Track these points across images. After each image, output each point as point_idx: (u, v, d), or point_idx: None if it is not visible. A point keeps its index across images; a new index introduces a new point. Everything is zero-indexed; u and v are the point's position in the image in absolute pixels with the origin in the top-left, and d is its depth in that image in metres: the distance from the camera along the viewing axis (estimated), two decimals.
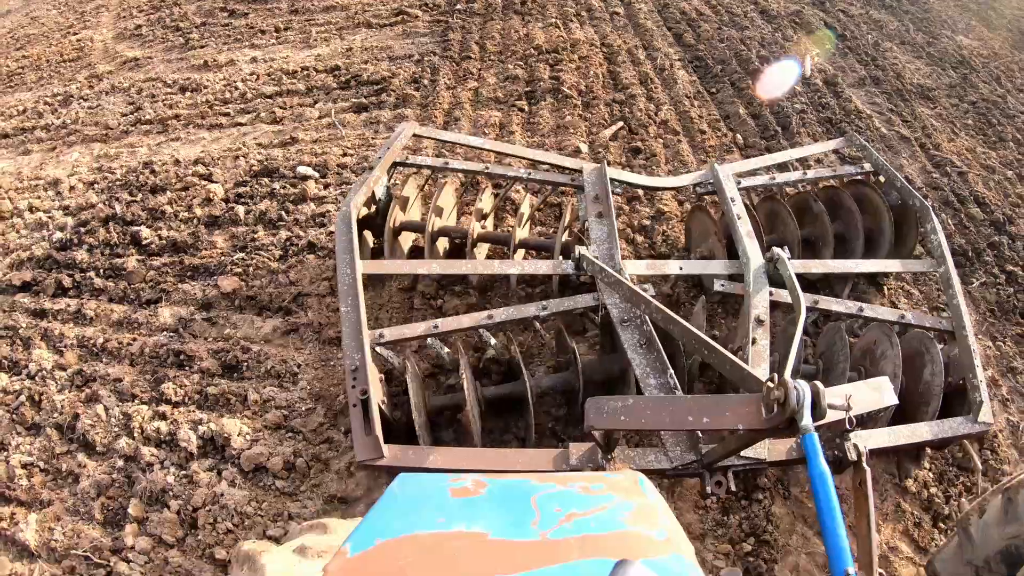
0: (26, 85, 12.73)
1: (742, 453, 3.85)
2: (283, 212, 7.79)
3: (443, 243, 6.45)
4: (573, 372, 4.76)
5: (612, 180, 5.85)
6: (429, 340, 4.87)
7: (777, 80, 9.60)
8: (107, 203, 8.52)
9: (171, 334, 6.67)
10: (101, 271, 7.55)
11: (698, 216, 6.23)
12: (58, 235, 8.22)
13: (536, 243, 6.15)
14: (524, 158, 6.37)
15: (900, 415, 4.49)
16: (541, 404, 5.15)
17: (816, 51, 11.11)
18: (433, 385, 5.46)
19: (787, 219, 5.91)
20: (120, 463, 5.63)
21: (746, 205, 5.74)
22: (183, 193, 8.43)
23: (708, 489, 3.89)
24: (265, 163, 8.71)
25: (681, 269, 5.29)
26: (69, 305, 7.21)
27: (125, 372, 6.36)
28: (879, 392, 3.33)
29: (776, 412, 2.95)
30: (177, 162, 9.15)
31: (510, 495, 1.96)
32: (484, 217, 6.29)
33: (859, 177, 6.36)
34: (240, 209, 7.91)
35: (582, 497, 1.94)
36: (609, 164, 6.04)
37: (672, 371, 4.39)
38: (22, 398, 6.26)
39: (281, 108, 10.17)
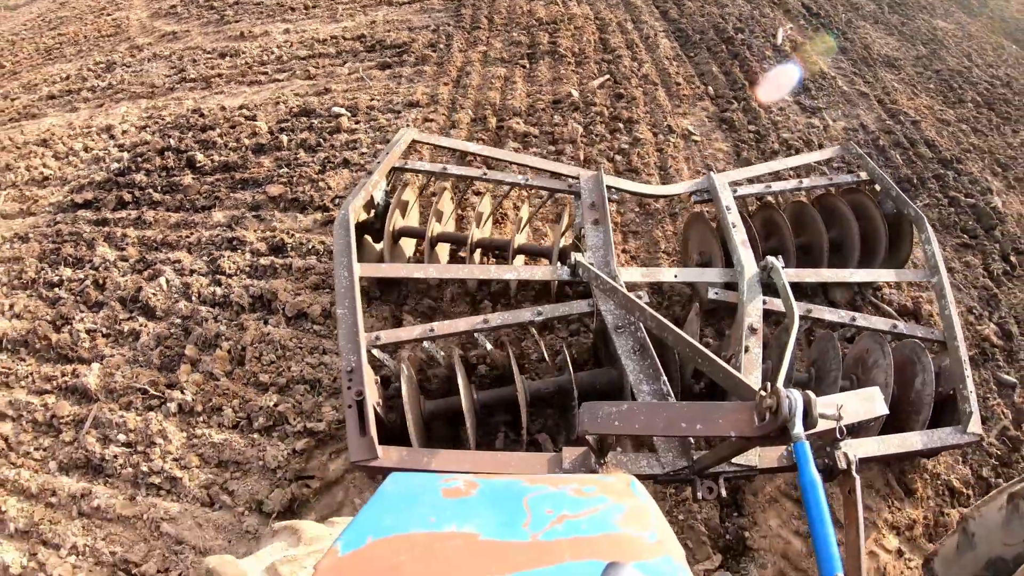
0: (65, 57, 11.85)
1: (733, 460, 3.46)
2: (321, 140, 7.77)
3: (444, 249, 5.83)
4: (567, 377, 4.24)
5: (609, 187, 5.25)
6: (425, 343, 4.27)
7: (776, 84, 8.81)
8: (161, 137, 8.33)
9: (225, 228, 6.69)
10: (159, 188, 7.40)
11: (695, 225, 5.60)
12: (115, 165, 7.98)
13: (533, 249, 5.40)
14: (522, 164, 5.67)
15: (891, 424, 4.00)
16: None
17: (790, 25, 10.56)
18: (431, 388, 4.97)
19: (783, 228, 5.29)
20: (178, 321, 5.71)
21: (741, 214, 5.13)
22: (231, 129, 8.27)
23: (699, 495, 3.48)
24: (303, 106, 8.56)
25: (676, 277, 4.77)
26: (130, 214, 7.09)
27: (184, 256, 6.40)
28: (870, 402, 2.94)
29: (768, 420, 2.62)
30: (223, 108, 8.90)
31: (502, 496, 1.71)
32: (483, 223, 5.64)
33: (854, 186, 5.70)
34: (284, 138, 7.86)
35: (574, 499, 1.69)
36: (602, 170, 5.53)
37: (665, 378, 3.90)
38: (87, 283, 6.21)
39: (314, 68, 9.75)
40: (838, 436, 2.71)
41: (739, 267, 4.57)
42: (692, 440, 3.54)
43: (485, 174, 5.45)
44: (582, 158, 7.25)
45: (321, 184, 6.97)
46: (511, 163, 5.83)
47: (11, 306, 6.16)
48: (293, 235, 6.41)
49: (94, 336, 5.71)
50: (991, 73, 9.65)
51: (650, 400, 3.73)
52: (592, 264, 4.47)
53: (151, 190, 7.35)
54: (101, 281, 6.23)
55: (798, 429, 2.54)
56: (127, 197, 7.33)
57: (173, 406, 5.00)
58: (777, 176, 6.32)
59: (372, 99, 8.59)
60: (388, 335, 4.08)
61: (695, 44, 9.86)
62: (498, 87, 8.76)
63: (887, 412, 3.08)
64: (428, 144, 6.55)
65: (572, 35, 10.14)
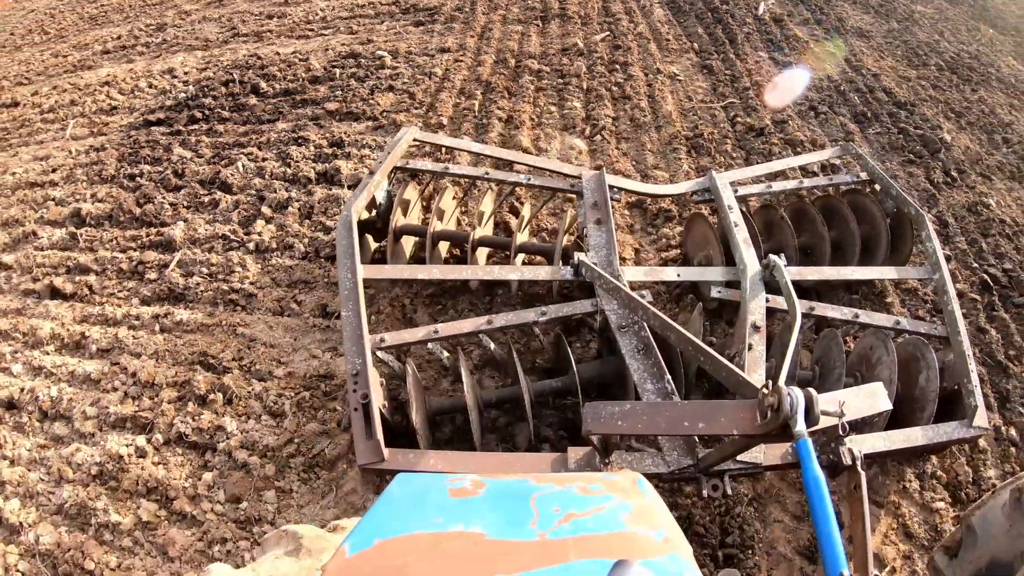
0: (113, 23, 11.14)
1: (738, 457, 3.01)
2: (368, 73, 7.71)
3: (445, 247, 5.09)
4: (571, 377, 3.61)
5: (611, 187, 4.57)
6: (430, 344, 3.67)
7: (786, 88, 7.77)
8: (224, 73, 8.15)
9: (290, 132, 6.68)
10: (226, 108, 7.33)
11: (696, 224, 4.87)
12: (183, 94, 7.79)
13: (536, 248, 4.64)
14: (524, 164, 4.97)
15: (896, 420, 3.49)
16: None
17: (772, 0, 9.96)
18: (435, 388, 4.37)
19: (784, 227, 4.61)
20: (253, 192, 5.81)
21: (743, 213, 4.48)
22: (287, 67, 8.12)
23: (705, 493, 3.02)
24: (350, 51, 8.40)
25: (679, 276, 4.10)
26: (201, 127, 7.06)
27: (255, 151, 6.41)
28: (873, 398, 2.51)
29: (770, 418, 2.23)
30: (277, 53, 8.65)
31: (508, 495, 1.45)
32: (484, 222, 4.81)
33: (855, 186, 4.98)
34: (336, 71, 7.81)
35: (581, 498, 1.44)
36: (606, 169, 4.85)
37: (669, 376, 3.34)
38: (166, 172, 6.23)
39: (356, 25, 9.38)
40: (840, 433, 2.29)
41: (741, 265, 3.96)
42: (697, 438, 3.07)
43: (487, 173, 4.72)
44: (585, 87, 7.28)
45: (371, 101, 6.99)
46: (514, 162, 5.11)
47: (93, 194, 6.14)
48: (350, 136, 6.46)
49: (176, 208, 5.77)
50: (960, 48, 8.89)
51: (655, 399, 3.25)
52: (595, 264, 3.85)
53: (219, 110, 7.28)
54: (180, 170, 6.23)
55: (800, 426, 2.16)
56: (198, 115, 7.23)
57: (251, 245, 5.19)
58: (778, 176, 5.54)
59: (409, 47, 8.42)
60: (393, 337, 3.50)
61: (685, 12, 9.49)
62: (516, 39, 8.58)
63: (890, 407, 2.64)
64: (431, 143, 5.79)
65: (579, 2, 9.77)
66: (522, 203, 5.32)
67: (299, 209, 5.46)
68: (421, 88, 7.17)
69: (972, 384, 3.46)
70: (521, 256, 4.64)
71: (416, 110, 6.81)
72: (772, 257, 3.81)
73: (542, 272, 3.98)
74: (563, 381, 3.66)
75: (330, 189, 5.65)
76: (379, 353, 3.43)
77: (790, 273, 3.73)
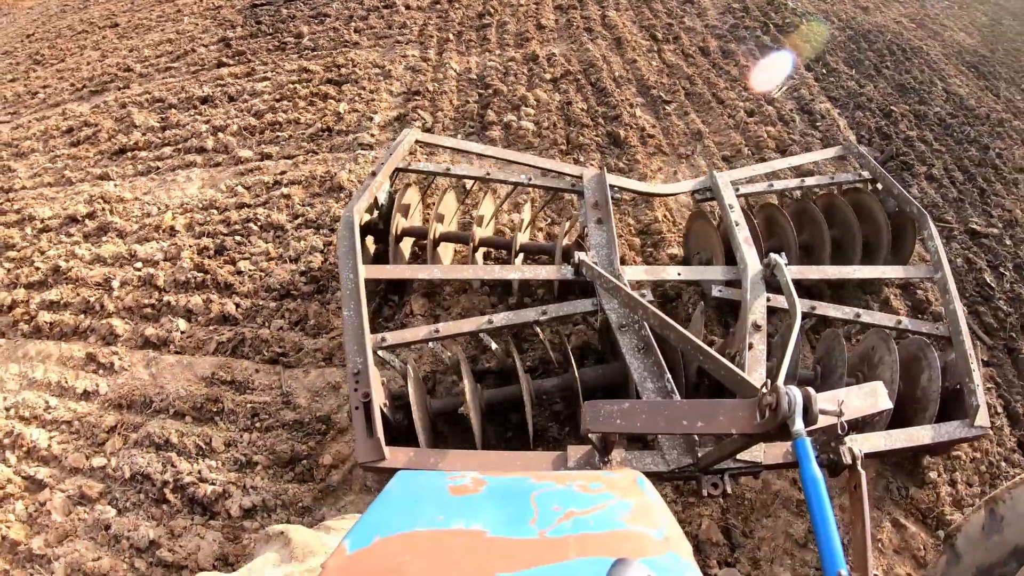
0: None
1: (738, 456, 2.96)
2: None
3: (448, 248, 4.99)
4: (571, 375, 3.57)
5: (612, 186, 4.52)
6: (431, 344, 3.62)
7: (770, 73, 7.90)
8: None
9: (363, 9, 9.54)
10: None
11: (698, 223, 4.88)
12: None
13: (537, 248, 4.59)
14: (525, 164, 4.86)
15: (898, 420, 3.44)
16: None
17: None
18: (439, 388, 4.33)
19: (785, 226, 4.56)
20: (344, 16, 9.14)
21: (744, 212, 4.43)
22: None
23: (705, 492, 2.96)
24: None
25: (680, 275, 4.08)
26: (297, 2, 9.92)
27: (341, 3, 9.56)
28: (874, 397, 2.48)
29: (768, 417, 2.21)
30: None
31: (509, 493, 1.45)
32: (486, 223, 4.85)
33: (857, 184, 4.91)
34: None
35: (581, 496, 1.43)
36: (605, 169, 4.71)
37: (670, 375, 3.30)
38: (283, 16, 9.46)
39: None
40: (840, 432, 2.31)
41: (742, 264, 3.92)
42: (697, 437, 3.04)
43: (488, 174, 4.69)
44: None
45: None
46: (514, 163, 5.00)
47: (233, 35, 9.04)
48: (403, 9, 9.28)
49: (298, 26, 8.96)
50: None
51: (655, 398, 3.20)
52: (596, 263, 3.82)
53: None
54: (292, 15, 9.37)
55: (798, 426, 2.15)
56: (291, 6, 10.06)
57: (352, 28, 8.67)
58: (779, 175, 5.52)
59: None
60: (394, 336, 3.48)
61: None
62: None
63: (891, 406, 2.61)
64: (432, 145, 5.76)
65: None
66: (523, 203, 5.26)
67: (375, 17, 8.82)
68: None
69: (974, 384, 3.41)
70: (522, 256, 4.62)
71: None
72: (773, 256, 3.77)
73: (543, 272, 3.95)
74: (564, 380, 3.64)
75: (391, 10, 9.00)
76: (380, 352, 3.41)
77: (791, 272, 3.68)
